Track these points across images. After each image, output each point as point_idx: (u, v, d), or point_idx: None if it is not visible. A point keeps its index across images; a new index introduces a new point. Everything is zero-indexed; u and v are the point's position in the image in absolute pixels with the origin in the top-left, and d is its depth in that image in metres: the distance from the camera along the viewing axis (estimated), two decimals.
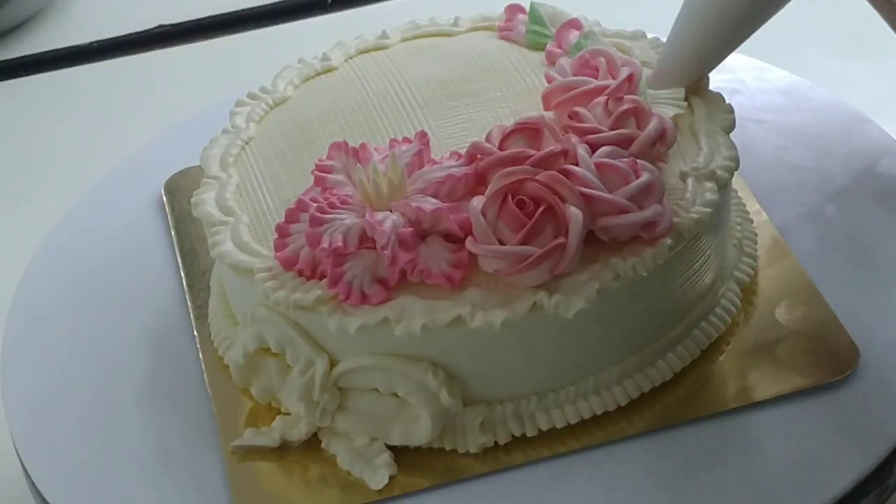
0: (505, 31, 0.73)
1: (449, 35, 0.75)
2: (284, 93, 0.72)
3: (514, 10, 0.74)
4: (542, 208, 0.58)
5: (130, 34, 1.08)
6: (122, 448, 0.65)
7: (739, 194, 0.72)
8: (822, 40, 1.03)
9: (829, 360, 0.64)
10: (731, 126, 0.66)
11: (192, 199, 0.66)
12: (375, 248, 0.59)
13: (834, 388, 0.63)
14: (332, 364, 0.62)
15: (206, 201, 0.66)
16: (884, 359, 0.64)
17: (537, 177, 0.59)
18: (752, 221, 0.71)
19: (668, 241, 0.60)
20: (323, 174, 0.63)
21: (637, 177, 0.60)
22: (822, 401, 0.63)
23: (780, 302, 0.67)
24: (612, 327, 0.61)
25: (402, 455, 0.62)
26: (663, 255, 0.60)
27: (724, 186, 0.63)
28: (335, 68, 0.73)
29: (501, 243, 0.59)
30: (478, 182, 0.61)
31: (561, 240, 0.58)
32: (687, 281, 0.64)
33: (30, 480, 0.65)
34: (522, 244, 0.58)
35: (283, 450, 0.63)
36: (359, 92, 0.71)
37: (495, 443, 0.62)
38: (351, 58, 0.74)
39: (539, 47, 0.72)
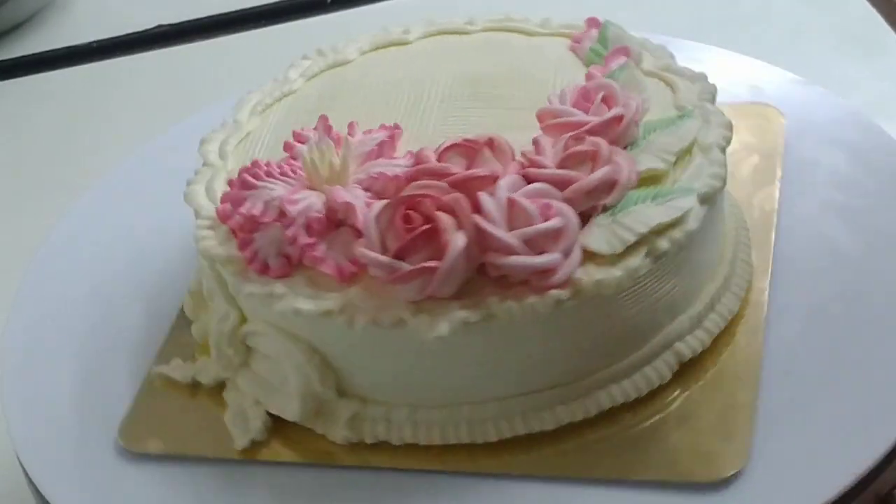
0: (575, 44, 0.72)
1: (529, 34, 0.73)
2: (347, 55, 0.73)
3: (591, 23, 0.72)
4: (423, 228, 0.57)
5: (130, 34, 1.08)
6: (121, 445, 0.65)
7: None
8: (822, 40, 1.03)
9: None
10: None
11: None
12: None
13: None
14: (244, 322, 0.63)
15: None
16: None
17: (444, 196, 0.58)
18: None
19: (561, 294, 0.58)
20: (295, 143, 0.64)
21: (545, 220, 0.58)
22: None
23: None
24: (486, 362, 0.60)
25: (289, 427, 0.63)
26: (547, 309, 0.58)
27: (659, 256, 0.60)
28: (409, 42, 0.74)
29: (387, 251, 0.58)
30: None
31: (433, 263, 0.57)
32: (607, 328, 0.61)
33: (29, 480, 0.65)
34: (397, 258, 0.58)
35: (196, 388, 0.66)
36: (401, 72, 0.71)
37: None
38: (428, 37, 0.74)
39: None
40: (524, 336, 0.59)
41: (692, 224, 0.61)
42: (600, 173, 0.60)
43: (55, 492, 0.63)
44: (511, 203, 0.58)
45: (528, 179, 0.60)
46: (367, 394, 0.62)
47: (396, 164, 0.62)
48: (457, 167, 0.61)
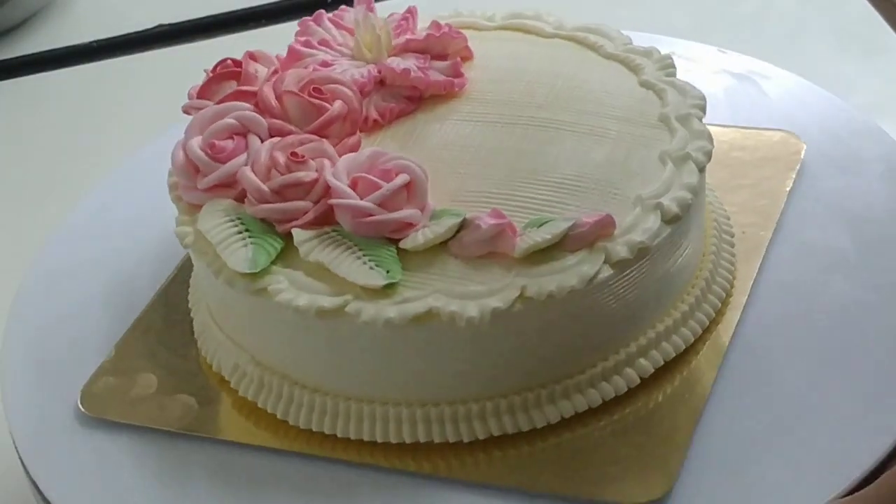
0: None
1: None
2: (491, 21, 0.74)
3: None
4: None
5: (130, 34, 1.08)
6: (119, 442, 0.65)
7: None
8: (822, 40, 1.03)
9: None
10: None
11: None
12: None
13: None
14: None
15: None
16: None
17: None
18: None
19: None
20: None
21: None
22: None
23: None
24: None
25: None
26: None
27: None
28: (556, 36, 0.73)
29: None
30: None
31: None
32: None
33: (29, 477, 0.65)
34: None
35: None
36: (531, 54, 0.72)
37: None
38: (565, 39, 0.73)
39: None
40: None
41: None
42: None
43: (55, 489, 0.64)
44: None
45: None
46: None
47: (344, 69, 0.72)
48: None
